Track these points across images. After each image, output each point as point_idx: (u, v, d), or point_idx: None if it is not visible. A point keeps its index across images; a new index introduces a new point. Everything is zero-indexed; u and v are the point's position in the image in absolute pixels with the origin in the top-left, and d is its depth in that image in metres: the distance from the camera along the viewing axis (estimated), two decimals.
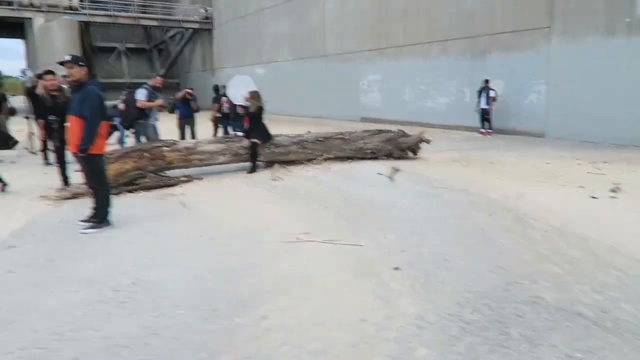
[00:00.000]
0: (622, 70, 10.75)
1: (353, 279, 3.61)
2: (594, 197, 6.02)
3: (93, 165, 5.01)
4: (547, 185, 6.83)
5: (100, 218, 5.05)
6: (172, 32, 33.67)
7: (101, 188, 5.09)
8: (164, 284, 3.55)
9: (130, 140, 10.77)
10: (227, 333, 2.82)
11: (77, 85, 4.98)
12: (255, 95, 8.33)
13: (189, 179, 7.38)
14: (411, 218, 5.25)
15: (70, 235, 4.83)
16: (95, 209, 5.10)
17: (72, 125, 4.95)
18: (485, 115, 13.30)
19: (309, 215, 5.43)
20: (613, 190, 6.33)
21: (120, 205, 5.61)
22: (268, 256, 4.14)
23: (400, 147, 9.32)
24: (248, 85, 10.14)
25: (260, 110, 8.27)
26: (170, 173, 7.45)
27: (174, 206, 6.00)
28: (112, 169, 6.56)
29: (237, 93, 10.15)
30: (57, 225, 5.20)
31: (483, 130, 13.50)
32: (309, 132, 9.36)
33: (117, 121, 10.42)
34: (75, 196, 6.38)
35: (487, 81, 13.14)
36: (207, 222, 5.21)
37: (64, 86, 7.38)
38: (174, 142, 7.65)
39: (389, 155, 9.27)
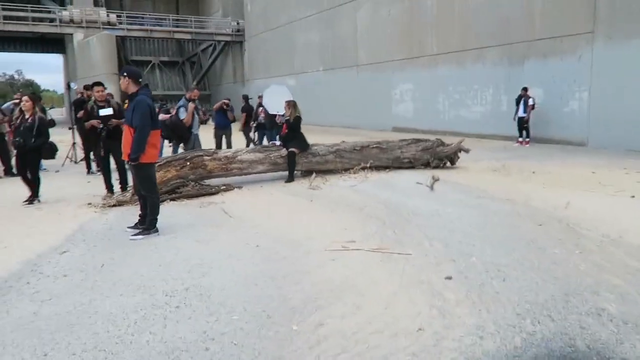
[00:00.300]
0: None
1: (405, 288, 3.55)
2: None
3: (143, 174, 5.10)
4: (596, 194, 6.62)
5: (148, 225, 5.13)
6: (204, 45, 34.35)
7: (151, 196, 5.16)
8: (216, 290, 3.56)
9: (167, 151, 10.99)
10: (285, 340, 2.80)
11: (130, 96, 5.15)
12: (293, 105, 8.38)
13: (229, 187, 7.44)
14: (457, 227, 5.15)
15: (119, 241, 4.92)
16: (143, 216, 5.18)
17: (125, 134, 5.10)
18: (523, 124, 13.03)
19: (351, 223, 5.39)
20: None
21: (165, 213, 5.68)
22: (316, 264, 4.12)
23: (438, 157, 9.21)
24: (284, 94, 10.24)
25: (298, 119, 8.31)
26: (211, 182, 7.54)
27: (217, 214, 6.05)
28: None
29: (273, 102, 10.26)
30: (106, 231, 5.30)
31: (520, 139, 13.23)
32: (344, 141, 9.32)
33: None
34: (120, 204, 6.51)
35: (525, 89, 12.89)
36: (251, 230, 5.22)
37: (110, 98, 7.61)
38: (215, 152, 7.75)
39: (427, 165, 9.16)
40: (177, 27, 30.78)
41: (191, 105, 8.45)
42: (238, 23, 31.02)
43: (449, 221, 5.43)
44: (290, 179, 8.12)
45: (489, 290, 3.49)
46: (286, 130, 8.39)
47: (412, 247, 4.52)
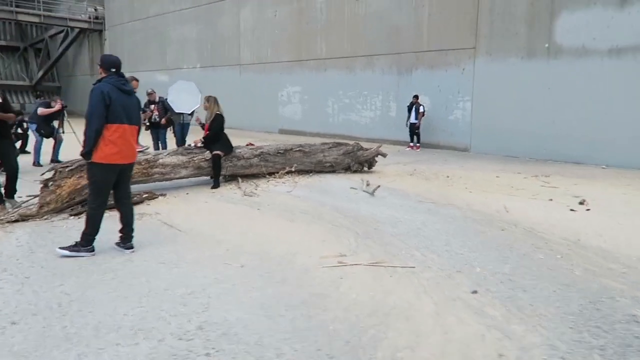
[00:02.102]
0: (541, 90, 11.77)
1: (443, 307, 3.31)
2: (573, 210, 6.37)
3: (88, 174, 4.28)
4: (519, 198, 7.11)
5: (81, 240, 4.23)
6: (52, 31, 30.34)
7: (89, 204, 4.28)
8: (238, 327, 2.94)
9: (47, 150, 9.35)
10: None
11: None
12: (213, 101, 7.63)
13: (152, 195, 6.50)
14: (430, 235, 5.09)
15: (56, 269, 3.88)
16: (124, 229, 4.45)
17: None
18: (415, 130, 13.73)
19: (324, 235, 5.00)
20: (581, 203, 6.76)
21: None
22: (326, 284, 3.68)
23: (358, 160, 9.20)
24: (191, 91, 9.38)
25: (220, 118, 7.59)
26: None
27: (158, 227, 5.19)
28: (66, 185, 5.54)
29: (180, 100, 9.32)
30: (28, 255, 4.19)
31: (412, 144, 13.93)
32: (249, 144, 8.75)
33: (33, 128, 8.97)
34: (24, 219, 5.24)
35: (416, 97, 13.60)
36: (218, 247, 4.54)
37: None
38: None
39: (347, 169, 9.12)
40: (19, 7, 26.64)
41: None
42: (96, 9, 27.98)
43: (416, 228, 5.35)
44: (216, 184, 7.39)
45: (521, 304, 3.42)
46: (207, 131, 7.62)
47: (407, 259, 4.31)
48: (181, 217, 5.57)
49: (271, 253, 4.37)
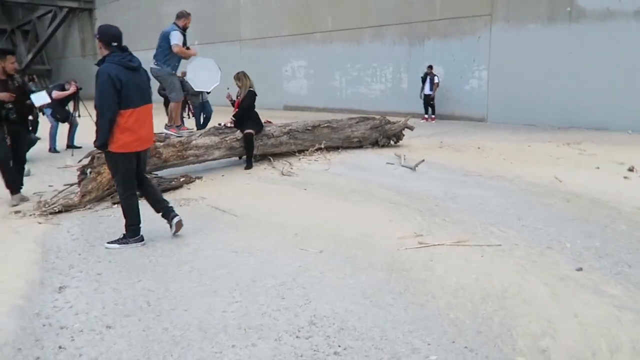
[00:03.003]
0: (562, 56, 11.48)
1: (554, 287, 3.07)
2: (627, 177, 6.18)
3: (109, 165, 3.99)
4: (564, 167, 6.89)
5: (127, 232, 3.98)
6: (40, 12, 29.28)
7: (121, 195, 4.01)
8: (352, 319, 2.71)
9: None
10: None
11: (99, 63, 3.83)
12: (244, 76, 7.28)
13: (189, 179, 6.18)
14: (497, 210, 4.87)
15: (124, 263, 3.61)
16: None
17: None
18: (429, 101, 13.43)
19: (387, 214, 4.74)
20: (630, 170, 6.57)
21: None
22: (419, 267, 3.45)
23: (386, 135, 8.92)
24: (210, 68, 8.93)
25: (252, 94, 7.25)
26: (162, 173, 6.21)
27: (210, 213, 4.92)
28: (105, 172, 5.22)
29: (200, 78, 8.89)
30: (89, 249, 3.89)
31: (426, 116, 13.64)
32: (267, 122, 8.30)
33: (48, 112, 8.55)
34: (67, 209, 4.94)
35: (430, 67, 13.27)
36: (281, 231, 4.28)
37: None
38: (166, 136, 6.36)
39: (374, 144, 8.85)
40: None
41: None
42: None
43: (477, 203, 5.13)
44: (249, 164, 7.09)
45: (636, 280, 3.22)
46: (238, 109, 7.28)
47: (487, 236, 4.09)
48: (229, 201, 5.29)
49: (343, 236, 4.12)
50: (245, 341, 2.51)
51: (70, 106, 8.99)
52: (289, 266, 3.50)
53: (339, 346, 2.46)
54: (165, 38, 6.37)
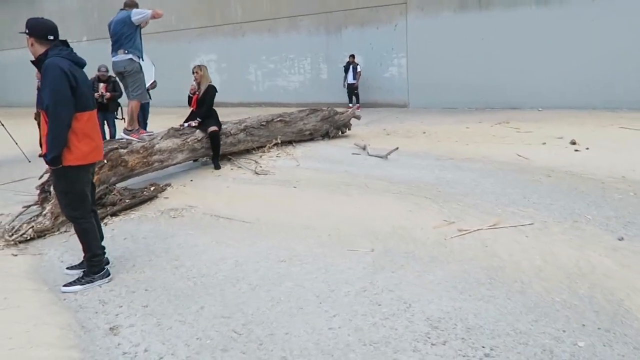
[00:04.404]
0: (475, 42, 12.23)
1: (624, 261, 3.22)
2: (577, 150, 6.74)
3: (62, 183, 3.18)
4: (515, 145, 7.32)
5: (88, 268, 3.25)
6: None
7: (76, 220, 3.25)
8: (469, 317, 2.60)
9: None
10: None
11: (38, 63, 3.13)
12: (205, 71, 6.73)
13: (159, 187, 5.56)
14: (496, 190, 5.03)
15: (163, 287, 3.12)
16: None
17: (42, 123, 3.15)
18: (353, 90, 13.58)
19: (400, 205, 4.67)
20: (573, 143, 7.17)
21: (147, 232, 3.88)
22: (483, 255, 3.42)
23: (336, 125, 8.84)
24: (145, 65, 8.16)
25: (213, 90, 6.73)
26: (124, 183, 5.53)
27: (217, 222, 4.46)
28: None
29: None
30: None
31: (351, 105, 13.77)
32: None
33: None
34: (39, 235, 4.17)
35: (352, 56, 13.38)
36: (314, 235, 4.00)
37: None
38: (128, 142, 5.65)
39: (325, 135, 8.73)
40: None
41: None
42: None
43: (473, 186, 5.26)
44: (217, 165, 6.59)
45: None
46: (196, 106, 6.72)
47: (511, 217, 4.19)
48: (224, 207, 4.84)
49: (377, 231, 3.96)
50: (387, 358, 2.27)
51: None
52: (352, 270, 3.27)
53: (483, 347, 2.33)
54: (123, 22, 5.61)
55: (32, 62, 3.10)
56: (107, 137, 8.60)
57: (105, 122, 8.76)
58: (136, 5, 5.85)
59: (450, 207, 4.49)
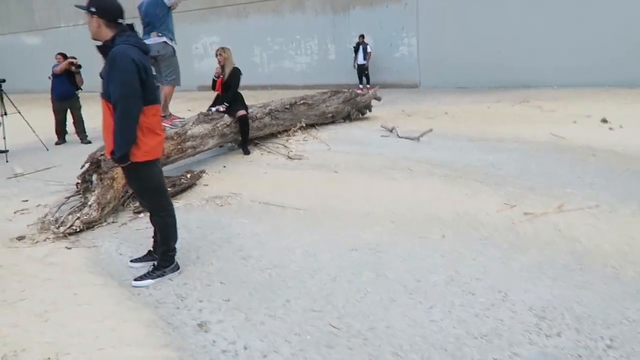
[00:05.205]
0: (487, 21, 12.03)
1: None
2: (611, 129, 6.65)
3: (139, 178, 3.00)
4: (545, 125, 7.22)
5: (161, 260, 3.10)
6: None
7: (158, 212, 3.10)
8: (578, 306, 2.51)
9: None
10: None
11: (102, 47, 2.85)
12: (229, 53, 6.51)
13: (194, 174, 5.41)
14: (545, 171, 4.94)
15: (237, 280, 2.99)
16: (154, 243, 3.28)
17: (104, 115, 2.89)
18: (364, 71, 13.36)
19: (451, 188, 4.55)
20: (604, 121, 7.08)
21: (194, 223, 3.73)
22: (563, 240, 3.34)
23: (357, 107, 8.68)
24: None
25: (237, 72, 6.53)
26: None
27: (267, 209, 4.32)
28: (119, 177, 4.37)
29: None
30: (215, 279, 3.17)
31: (361, 86, 13.58)
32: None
33: None
34: (89, 226, 4.02)
35: (362, 36, 13.15)
36: (372, 220, 3.88)
37: None
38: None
39: (347, 117, 8.57)
40: None
41: None
42: None
43: (518, 168, 5.15)
44: (247, 150, 6.44)
45: None
46: (221, 89, 6.53)
47: (572, 199, 4.09)
48: (269, 194, 4.71)
49: (441, 217, 3.85)
50: (504, 352, 2.17)
51: None
52: (430, 258, 3.16)
53: (602, 337, 2.24)
54: (155, 3, 5.36)
55: (98, 47, 2.87)
56: None
57: None
58: None
59: (506, 190, 4.38)
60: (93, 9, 2.74)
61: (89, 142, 8.01)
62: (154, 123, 2.89)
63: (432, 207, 4.05)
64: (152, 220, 3.18)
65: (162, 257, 3.08)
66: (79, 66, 7.96)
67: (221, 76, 6.50)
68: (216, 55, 6.56)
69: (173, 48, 5.64)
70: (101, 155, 4.44)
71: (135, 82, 2.72)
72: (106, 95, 2.78)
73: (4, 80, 7.10)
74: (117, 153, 2.77)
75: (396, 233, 3.60)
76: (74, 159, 6.82)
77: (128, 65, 2.70)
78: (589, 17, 10.72)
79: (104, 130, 2.89)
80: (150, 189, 3.01)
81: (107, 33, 2.78)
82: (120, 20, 2.81)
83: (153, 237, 3.27)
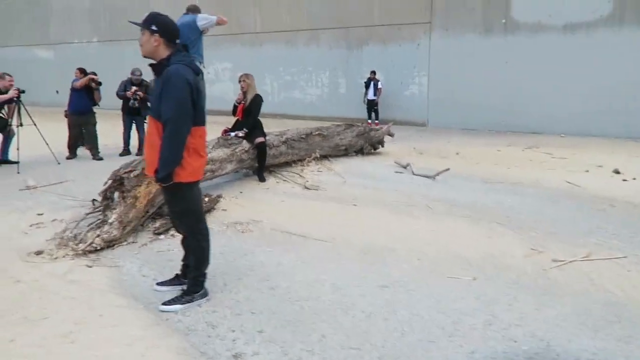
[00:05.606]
0: (499, 64, 12.25)
1: None
2: (625, 180, 6.67)
3: (179, 200, 2.96)
4: (556, 172, 7.24)
5: (191, 286, 3.03)
6: None
7: (194, 236, 3.04)
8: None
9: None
10: None
11: (156, 66, 2.88)
12: (252, 80, 6.57)
13: (213, 198, 5.36)
14: (564, 218, 4.92)
15: (268, 310, 2.91)
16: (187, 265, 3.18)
17: (150, 133, 2.91)
18: (373, 106, 13.49)
19: (471, 229, 4.53)
20: (617, 172, 7.12)
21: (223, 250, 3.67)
22: (597, 290, 3.28)
23: (370, 142, 8.72)
24: None
25: (259, 99, 6.57)
26: None
27: (289, 239, 4.26)
28: (142, 196, 4.32)
29: None
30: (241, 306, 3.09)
31: (370, 121, 13.68)
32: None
33: None
34: (108, 245, 3.93)
35: (374, 72, 13.32)
36: (397, 256, 3.83)
37: None
38: None
39: (359, 151, 8.60)
40: None
41: None
42: None
43: (539, 212, 5.14)
44: (262, 177, 6.41)
45: None
46: (242, 115, 6.54)
47: (596, 248, 4.05)
48: (289, 223, 4.66)
49: (468, 258, 3.81)
50: None
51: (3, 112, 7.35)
52: (464, 300, 3.10)
53: None
54: (189, 26, 5.41)
55: (152, 65, 2.87)
56: (137, 141, 8.40)
57: (135, 126, 8.54)
58: (199, 11, 5.69)
59: (529, 235, 4.35)
60: (154, 27, 2.76)
61: (101, 159, 7.97)
62: (199, 144, 2.87)
63: (457, 247, 4.01)
64: (184, 243, 3.12)
65: (193, 282, 3.00)
66: (99, 83, 7.98)
67: (242, 102, 6.51)
68: (239, 81, 6.61)
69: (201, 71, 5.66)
70: (125, 173, 4.40)
71: (188, 102, 2.72)
72: (156, 114, 2.76)
73: (23, 91, 7.10)
74: (161, 172, 2.73)
75: (424, 272, 3.54)
76: (86, 174, 6.83)
77: (183, 86, 2.70)
78: (601, 68, 10.94)
79: (148, 149, 2.86)
80: (189, 211, 2.96)
81: (164, 52, 2.80)
82: (177, 40, 2.82)
83: (183, 261, 3.20)
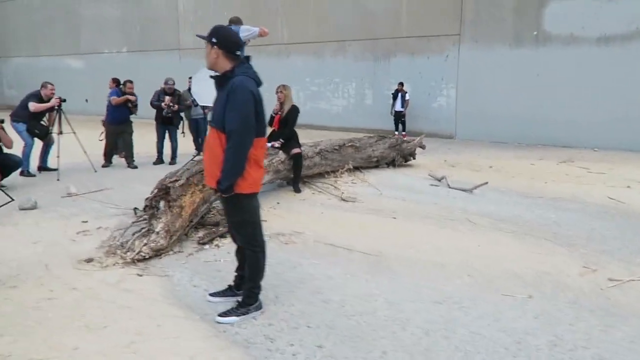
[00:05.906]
0: (530, 77, 12.10)
1: None
2: None
3: (239, 211, 2.95)
4: (598, 187, 7.08)
5: (246, 297, 3.01)
6: None
7: (252, 248, 3.00)
8: None
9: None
10: None
11: (219, 78, 2.88)
12: (289, 91, 6.60)
13: None
14: (612, 235, 4.79)
15: (324, 325, 2.87)
16: (241, 277, 3.15)
17: (211, 143, 2.88)
18: (400, 118, 13.44)
19: (519, 245, 4.44)
20: None
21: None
22: None
23: (402, 154, 8.67)
24: (209, 87, 8.05)
25: (296, 110, 6.60)
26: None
27: (335, 251, 4.23)
28: (187, 205, 4.34)
29: (204, 92, 7.98)
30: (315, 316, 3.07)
31: (396, 133, 13.62)
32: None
33: (22, 128, 7.09)
34: (157, 253, 3.95)
35: (401, 84, 13.28)
36: (446, 272, 3.77)
37: None
38: None
39: (391, 163, 8.55)
40: None
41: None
42: None
43: (587, 229, 5.00)
44: (298, 188, 6.40)
45: None
46: (278, 126, 6.57)
47: None
48: (331, 235, 4.63)
49: (522, 275, 3.72)
50: None
51: (44, 120, 7.50)
52: (523, 319, 3.02)
53: None
54: None
55: (215, 77, 2.89)
56: (170, 150, 8.49)
57: (168, 135, 8.64)
58: (241, 22, 5.75)
59: (579, 252, 4.25)
60: (214, 40, 2.79)
61: (136, 167, 8.06)
62: (259, 155, 2.87)
63: (509, 264, 3.93)
64: (239, 254, 3.11)
65: (248, 293, 2.99)
66: (135, 105, 8.06)
67: (279, 113, 6.54)
68: (276, 92, 6.64)
69: None
70: (170, 182, 4.43)
71: (253, 114, 2.73)
72: (219, 125, 2.77)
73: (64, 100, 7.23)
74: (223, 183, 2.73)
75: (478, 288, 3.47)
76: (122, 182, 6.91)
77: (248, 97, 2.72)
78: (636, 80, 10.73)
79: (208, 160, 2.87)
80: (248, 223, 2.96)
81: (226, 64, 2.81)
82: (238, 53, 2.83)
83: (236, 272, 3.19)
